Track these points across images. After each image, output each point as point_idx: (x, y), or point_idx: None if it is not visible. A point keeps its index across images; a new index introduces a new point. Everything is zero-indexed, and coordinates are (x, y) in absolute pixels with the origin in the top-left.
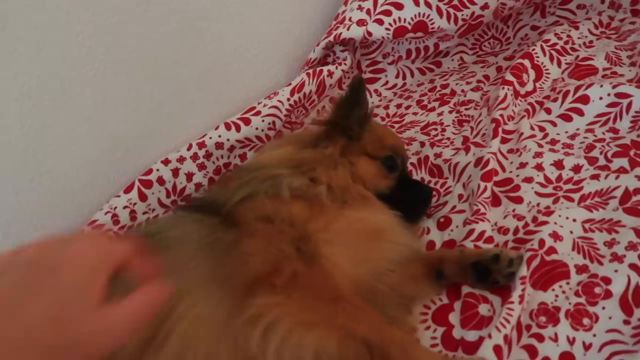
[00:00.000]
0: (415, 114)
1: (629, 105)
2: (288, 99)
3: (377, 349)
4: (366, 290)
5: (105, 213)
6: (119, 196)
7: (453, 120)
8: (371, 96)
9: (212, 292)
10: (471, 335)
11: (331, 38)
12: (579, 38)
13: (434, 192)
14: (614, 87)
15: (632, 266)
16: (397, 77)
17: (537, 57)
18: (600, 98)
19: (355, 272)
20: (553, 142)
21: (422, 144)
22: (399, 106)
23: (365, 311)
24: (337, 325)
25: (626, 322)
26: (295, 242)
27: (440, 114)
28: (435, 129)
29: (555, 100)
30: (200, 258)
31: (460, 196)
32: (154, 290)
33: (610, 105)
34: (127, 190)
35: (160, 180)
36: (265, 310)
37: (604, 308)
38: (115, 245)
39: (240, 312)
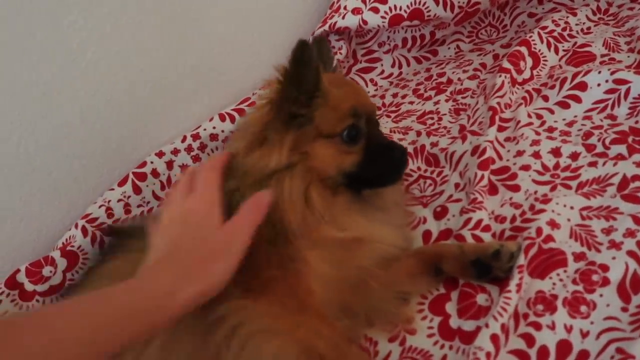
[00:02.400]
0: (411, 103)
1: (627, 91)
2: None
3: None
4: (354, 286)
5: (99, 207)
6: (112, 189)
7: (449, 109)
8: (367, 86)
9: None
10: (468, 325)
11: (326, 27)
12: (576, 24)
13: (410, 162)
14: (612, 73)
15: (630, 253)
16: (393, 66)
17: (535, 44)
18: (598, 85)
19: (338, 272)
20: (550, 129)
21: (419, 133)
22: (395, 95)
23: (328, 326)
24: (298, 338)
25: (624, 310)
26: (275, 243)
27: (436, 103)
28: (432, 118)
29: (552, 87)
30: None
31: (456, 185)
32: (255, 200)
33: (608, 91)
34: (121, 183)
35: (155, 173)
36: (232, 312)
37: (601, 295)
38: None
39: (213, 311)
